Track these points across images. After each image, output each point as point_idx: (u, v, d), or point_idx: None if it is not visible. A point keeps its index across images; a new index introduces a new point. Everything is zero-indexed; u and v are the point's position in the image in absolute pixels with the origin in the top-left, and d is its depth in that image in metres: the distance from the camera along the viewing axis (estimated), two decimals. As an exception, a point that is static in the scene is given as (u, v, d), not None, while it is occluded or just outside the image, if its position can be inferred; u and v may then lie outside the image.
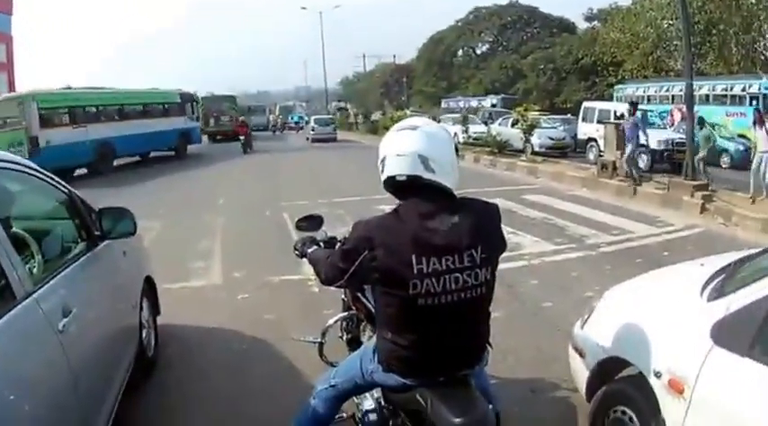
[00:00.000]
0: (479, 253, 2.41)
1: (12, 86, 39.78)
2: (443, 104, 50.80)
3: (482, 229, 2.46)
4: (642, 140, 15.61)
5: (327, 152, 28.85)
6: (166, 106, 27.54)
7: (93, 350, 3.30)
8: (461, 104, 46.13)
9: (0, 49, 39.07)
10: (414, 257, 2.34)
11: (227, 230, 11.23)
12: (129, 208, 4.12)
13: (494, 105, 41.30)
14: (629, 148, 14.81)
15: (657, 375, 2.98)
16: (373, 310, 3.03)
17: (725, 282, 3.10)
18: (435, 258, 2.36)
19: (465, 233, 2.40)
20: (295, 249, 3.37)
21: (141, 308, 4.74)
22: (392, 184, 2.53)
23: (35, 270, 3.06)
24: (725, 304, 2.82)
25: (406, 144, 2.47)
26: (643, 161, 18.91)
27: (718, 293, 3.00)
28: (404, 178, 2.46)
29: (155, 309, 5.33)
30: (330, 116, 47.90)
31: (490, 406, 2.53)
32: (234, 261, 8.70)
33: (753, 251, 3.71)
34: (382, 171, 2.55)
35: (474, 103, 45.21)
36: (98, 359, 3.38)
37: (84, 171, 20.83)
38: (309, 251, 3.17)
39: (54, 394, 2.62)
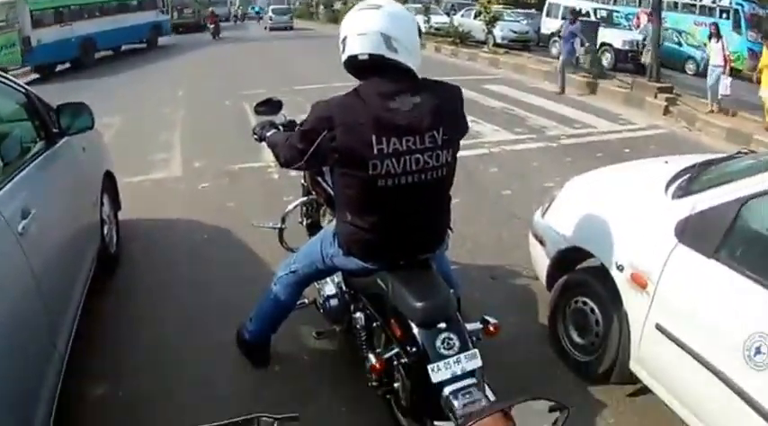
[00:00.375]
0: (441, 135, 2.38)
1: None
2: None
3: (444, 111, 2.42)
4: (578, 52, 14.96)
5: (287, 42, 29.12)
6: (140, 1, 28.14)
7: (55, 250, 3.24)
8: None
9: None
10: (374, 137, 2.30)
11: (186, 118, 11.15)
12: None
13: None
14: (562, 56, 14.33)
15: (620, 268, 3.05)
16: (333, 193, 2.98)
17: (690, 182, 3.12)
18: (396, 138, 2.32)
19: (427, 113, 2.36)
20: (254, 133, 3.29)
21: (102, 204, 4.64)
22: (354, 64, 2.45)
23: None
24: (690, 203, 2.84)
25: (369, 22, 2.37)
26: (607, 59, 18.99)
27: (684, 192, 3.02)
28: (365, 57, 2.38)
29: (115, 204, 5.25)
30: (287, 6, 48.06)
31: (451, 291, 2.55)
32: (194, 148, 8.72)
33: (719, 155, 3.74)
34: (343, 50, 2.45)
35: None
36: (60, 260, 3.31)
37: (66, 65, 21.61)
38: (268, 134, 3.10)
39: (17, 298, 2.56)
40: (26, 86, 3.78)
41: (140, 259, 5.10)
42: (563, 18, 21.92)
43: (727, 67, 11.98)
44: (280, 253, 3.98)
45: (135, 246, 5.31)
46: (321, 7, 48.66)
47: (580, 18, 16.44)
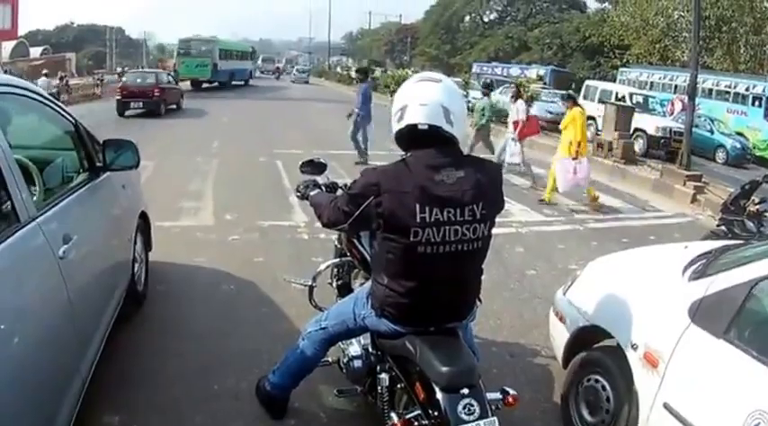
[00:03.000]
0: (480, 209, 2.50)
1: (15, 20, 39.11)
2: (475, 68, 44.67)
3: (484, 187, 2.54)
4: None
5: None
6: (247, 54, 48.91)
7: (90, 278, 3.35)
8: (498, 71, 41.32)
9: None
10: (418, 206, 2.43)
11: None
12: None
13: (540, 77, 35.36)
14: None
15: (634, 347, 3.08)
16: (368, 257, 3.15)
17: (707, 265, 3.18)
18: (438, 209, 2.44)
19: (468, 188, 2.48)
20: (297, 190, 3.42)
21: (135, 242, 4.78)
22: (410, 133, 2.56)
23: (36, 198, 3.07)
24: (705, 284, 2.91)
25: (431, 94, 2.53)
26: (639, 145, 18.91)
27: (699, 274, 3.09)
28: (425, 127, 2.51)
29: (147, 245, 5.38)
30: (308, 67, 71.18)
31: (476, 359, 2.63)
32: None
33: (737, 241, 3.80)
34: (400, 119, 2.58)
35: (515, 72, 39.01)
36: (94, 288, 3.43)
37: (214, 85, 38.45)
38: (312, 193, 3.23)
39: (52, 317, 2.68)
40: (75, 117, 3.91)
41: (166, 301, 5.21)
42: (599, 101, 22.21)
43: (517, 131, 11.61)
44: (305, 312, 4.08)
45: (162, 288, 5.43)
46: (338, 68, 57.93)
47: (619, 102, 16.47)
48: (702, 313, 2.82)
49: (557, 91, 29.72)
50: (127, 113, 21.70)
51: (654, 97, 24.86)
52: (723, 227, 7.45)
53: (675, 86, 26.99)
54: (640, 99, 23.19)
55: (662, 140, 19.40)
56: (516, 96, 12.18)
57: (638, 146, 18.72)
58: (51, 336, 2.63)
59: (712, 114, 22.40)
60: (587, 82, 27.34)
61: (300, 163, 3.81)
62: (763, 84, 22.89)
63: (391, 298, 2.65)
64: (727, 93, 24.33)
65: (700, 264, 3.23)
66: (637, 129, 19.04)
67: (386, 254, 2.59)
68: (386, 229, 2.51)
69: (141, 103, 22.07)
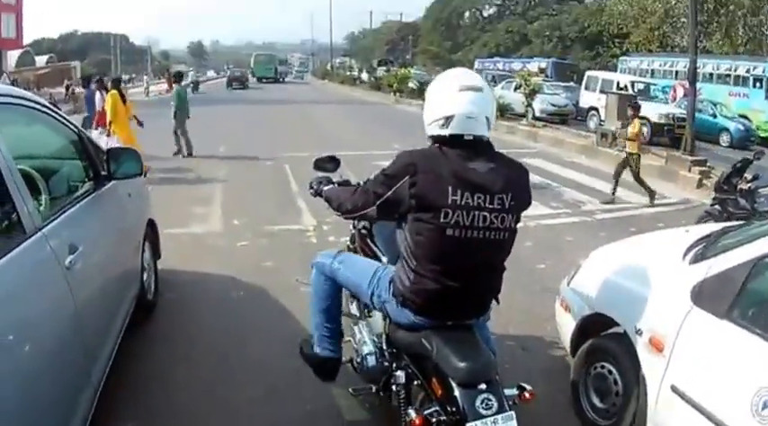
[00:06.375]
0: (509, 199, 2.57)
1: (20, 29, 39.47)
2: (477, 65, 44.47)
3: (513, 181, 2.63)
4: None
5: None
6: (284, 62, 71.83)
7: (97, 288, 3.37)
8: (500, 66, 42.15)
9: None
10: (450, 187, 2.50)
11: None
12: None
13: (542, 70, 34.43)
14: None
15: (639, 332, 3.11)
16: (382, 256, 3.24)
17: (707, 248, 3.21)
18: (469, 193, 2.51)
19: (499, 178, 2.56)
20: (310, 187, 3.44)
21: (143, 251, 4.81)
22: (451, 139, 2.62)
23: (41, 208, 3.08)
24: (705, 267, 2.93)
25: (476, 106, 2.59)
26: (643, 133, 18.80)
27: (700, 257, 3.12)
28: (471, 138, 2.60)
29: (156, 253, 5.40)
30: (305, 69, 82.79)
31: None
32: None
33: (736, 222, 3.81)
34: (443, 126, 2.62)
35: (516, 66, 37.94)
36: (101, 298, 3.45)
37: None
38: (326, 188, 3.26)
39: (59, 328, 2.70)
40: (79, 127, 3.95)
41: (176, 308, 5.25)
42: (601, 91, 22.20)
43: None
44: None
45: (172, 296, 5.46)
46: (365, 74, 54.64)
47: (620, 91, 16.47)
48: (704, 295, 2.84)
49: (558, 83, 29.82)
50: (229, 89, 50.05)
51: (655, 84, 24.82)
52: (717, 206, 7.57)
53: (676, 72, 26.96)
54: (642, 87, 23.20)
55: (665, 127, 19.38)
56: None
57: (642, 134, 18.56)
58: (59, 346, 2.66)
59: (714, 98, 22.36)
60: (588, 72, 27.29)
61: (315, 159, 3.82)
62: (763, 65, 22.88)
63: (416, 285, 2.66)
64: (728, 76, 24.31)
65: (700, 247, 3.26)
66: (640, 117, 18.86)
67: (415, 236, 2.62)
68: (417, 209, 2.56)
69: (238, 83, 53.10)
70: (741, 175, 7.49)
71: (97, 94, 12.81)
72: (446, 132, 2.61)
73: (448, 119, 2.60)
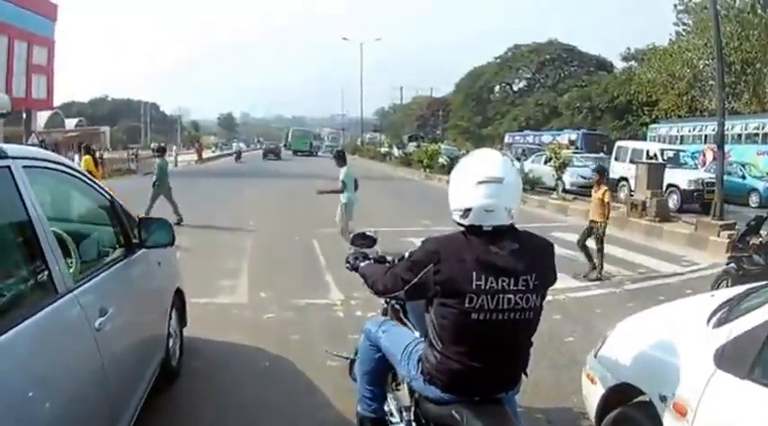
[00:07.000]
0: (533, 279, 2.61)
1: (50, 90, 40.91)
2: (507, 139, 45.84)
3: (538, 260, 2.68)
4: None
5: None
6: (318, 136, 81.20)
7: (125, 351, 3.45)
8: (530, 140, 42.08)
9: (41, 53, 39.63)
10: (474, 273, 2.54)
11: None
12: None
13: (572, 142, 34.82)
14: None
15: (663, 399, 3.06)
16: (413, 329, 3.30)
17: (730, 311, 3.20)
18: (493, 277, 2.55)
19: (523, 259, 2.61)
20: (347, 262, 3.55)
21: (170, 318, 4.88)
22: (471, 226, 2.68)
23: (72, 270, 3.16)
24: (727, 330, 2.92)
25: (496, 198, 2.64)
26: (673, 201, 18.78)
27: (723, 320, 3.10)
28: (489, 229, 2.65)
29: (182, 321, 5.46)
30: (334, 144, 74.99)
31: None
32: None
33: (760, 283, 3.78)
34: (463, 217, 2.69)
35: (546, 139, 37.72)
36: (128, 361, 3.53)
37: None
38: (362, 264, 3.35)
39: (87, 388, 2.78)
40: (110, 193, 4.08)
41: (200, 376, 5.26)
42: (630, 161, 22.12)
43: None
44: (342, 392, 4.17)
45: (196, 364, 5.48)
46: (396, 150, 54.27)
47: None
48: (726, 357, 2.81)
49: (589, 154, 29.76)
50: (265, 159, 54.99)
51: (684, 151, 24.66)
52: (733, 265, 7.49)
53: (705, 136, 27.01)
54: (671, 154, 23.05)
55: (695, 193, 19.20)
56: None
57: (672, 201, 18.59)
58: (85, 405, 2.72)
59: (743, 158, 22.34)
60: (618, 143, 27.22)
61: (353, 235, 3.95)
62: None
63: (442, 365, 2.70)
64: (756, 134, 24.39)
65: (723, 311, 3.25)
66: (670, 185, 18.96)
67: (440, 320, 2.66)
68: (443, 295, 2.61)
69: (273, 155, 58.13)
70: (756, 232, 7.46)
71: (76, 157, 13.65)
72: (466, 222, 2.68)
73: (467, 211, 2.67)
